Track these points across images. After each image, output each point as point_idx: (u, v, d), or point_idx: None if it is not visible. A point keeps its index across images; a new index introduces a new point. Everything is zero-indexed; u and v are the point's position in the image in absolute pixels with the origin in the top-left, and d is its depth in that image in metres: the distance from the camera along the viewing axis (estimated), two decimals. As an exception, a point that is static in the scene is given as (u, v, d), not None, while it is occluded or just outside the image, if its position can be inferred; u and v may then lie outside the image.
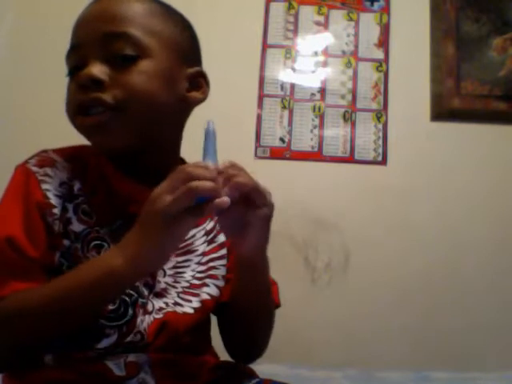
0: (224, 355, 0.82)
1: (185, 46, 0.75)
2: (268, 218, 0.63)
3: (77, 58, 0.69)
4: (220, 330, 0.82)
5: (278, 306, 0.82)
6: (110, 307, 0.65)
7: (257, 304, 0.74)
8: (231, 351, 0.82)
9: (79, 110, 0.67)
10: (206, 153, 0.61)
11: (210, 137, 0.62)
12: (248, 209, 0.62)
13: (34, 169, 0.68)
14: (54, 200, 0.66)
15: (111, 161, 0.72)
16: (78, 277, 0.61)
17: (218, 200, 0.57)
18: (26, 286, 0.61)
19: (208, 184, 0.56)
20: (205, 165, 0.59)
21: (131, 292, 0.67)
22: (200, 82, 0.76)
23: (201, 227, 0.77)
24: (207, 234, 0.78)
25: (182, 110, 0.75)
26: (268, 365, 0.84)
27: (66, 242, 0.66)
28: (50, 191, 0.66)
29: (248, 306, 0.74)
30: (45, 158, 0.70)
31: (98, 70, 0.65)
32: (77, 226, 0.67)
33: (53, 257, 0.65)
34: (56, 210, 0.66)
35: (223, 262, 0.79)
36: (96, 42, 0.67)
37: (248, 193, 0.61)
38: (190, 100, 0.74)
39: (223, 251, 0.79)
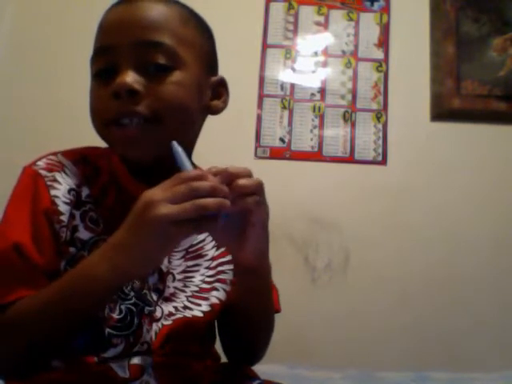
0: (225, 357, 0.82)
1: (210, 54, 0.76)
2: (268, 216, 0.62)
3: (106, 61, 0.67)
4: (219, 332, 0.82)
5: (277, 311, 0.81)
6: (116, 316, 0.65)
7: (257, 309, 0.73)
8: (229, 354, 0.82)
9: (111, 120, 0.66)
10: (185, 167, 0.59)
11: (180, 154, 0.60)
12: (254, 207, 0.59)
13: (43, 173, 0.67)
14: (62, 207, 0.66)
15: (124, 163, 0.71)
16: (64, 284, 0.60)
17: (224, 219, 0.55)
18: (31, 294, 0.61)
19: (217, 201, 0.54)
20: (202, 174, 0.56)
21: (137, 301, 0.67)
22: (221, 91, 0.76)
23: None
24: (215, 240, 0.77)
25: (204, 118, 0.76)
26: (267, 365, 0.84)
27: (72, 250, 0.65)
28: (59, 198, 0.66)
29: (248, 311, 0.74)
30: (54, 162, 0.69)
31: (133, 79, 0.64)
32: (84, 234, 0.66)
33: (59, 264, 0.65)
34: (64, 218, 0.65)
35: (231, 266, 0.77)
36: (130, 48, 0.65)
37: (253, 192, 0.58)
38: (212, 109, 0.75)
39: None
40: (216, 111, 0.75)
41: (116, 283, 0.60)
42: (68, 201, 0.66)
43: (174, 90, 0.66)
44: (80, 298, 0.59)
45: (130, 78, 0.64)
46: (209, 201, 0.53)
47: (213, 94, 0.74)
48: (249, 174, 0.59)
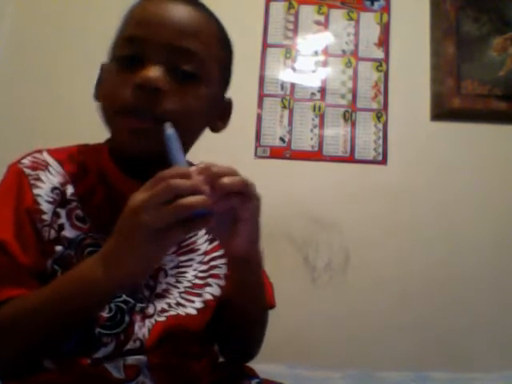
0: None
1: (229, 71, 0.77)
2: (258, 211, 0.60)
3: (135, 50, 0.66)
4: (213, 329, 0.81)
5: (273, 306, 0.81)
6: (106, 315, 0.65)
7: (249, 302, 0.73)
8: (223, 351, 0.81)
9: (127, 109, 0.65)
10: (175, 158, 0.57)
11: (172, 140, 0.59)
12: (239, 205, 0.58)
13: (27, 171, 0.67)
14: (44, 206, 0.65)
15: (115, 160, 0.71)
16: (60, 288, 0.60)
17: (209, 217, 0.54)
18: (18, 292, 0.61)
19: (198, 200, 0.53)
20: (184, 171, 0.54)
21: (127, 299, 0.67)
22: (226, 112, 0.78)
23: None
24: (209, 232, 0.77)
25: (203, 132, 0.77)
26: (267, 364, 0.84)
27: (58, 249, 0.65)
28: (41, 196, 0.66)
29: (240, 304, 0.73)
30: (39, 161, 0.69)
31: (162, 77, 0.64)
32: (70, 232, 0.66)
33: (44, 263, 0.64)
34: (46, 216, 0.65)
35: (224, 260, 0.77)
36: (164, 47, 0.65)
37: (237, 191, 0.57)
38: (215, 128, 0.77)
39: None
40: (217, 130, 0.77)
41: (112, 290, 0.60)
42: (51, 199, 0.66)
43: (193, 103, 0.67)
44: (75, 303, 0.59)
45: (159, 75, 0.64)
46: (189, 201, 0.52)
47: (219, 112, 0.76)
48: (233, 173, 0.58)
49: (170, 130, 0.60)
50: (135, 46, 0.66)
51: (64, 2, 1.82)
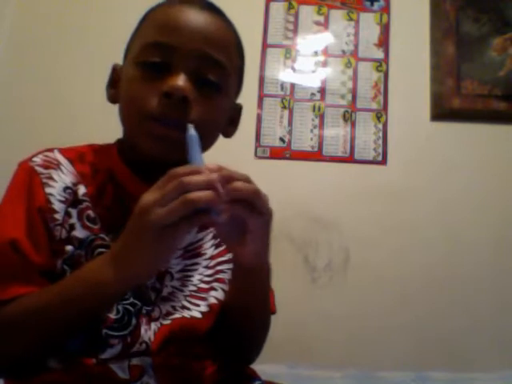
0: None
1: (243, 80, 0.78)
2: (268, 225, 0.59)
3: (161, 56, 0.66)
4: (213, 332, 0.81)
5: (273, 313, 0.81)
6: (114, 317, 0.65)
7: (251, 309, 0.73)
8: (222, 354, 0.81)
9: (154, 116, 0.65)
10: (193, 158, 0.58)
11: (193, 141, 0.59)
12: (247, 215, 0.57)
13: (39, 169, 0.67)
14: (56, 205, 0.65)
15: (126, 161, 0.71)
16: (69, 288, 0.60)
17: (215, 216, 0.53)
18: (28, 290, 0.61)
19: (206, 194, 0.52)
20: (197, 169, 0.54)
21: (135, 301, 0.67)
22: (236, 117, 0.79)
23: (208, 230, 0.76)
24: (215, 237, 0.77)
25: None
26: (267, 364, 0.84)
27: (69, 248, 0.65)
28: (54, 196, 0.65)
29: (241, 310, 0.73)
30: (50, 159, 0.68)
31: (188, 87, 0.65)
32: (81, 233, 0.66)
33: (54, 262, 0.64)
34: (58, 216, 0.65)
35: (230, 265, 0.76)
36: (194, 56, 0.66)
37: (248, 199, 0.56)
38: (227, 134, 0.78)
39: (230, 255, 0.76)
40: (227, 135, 0.78)
41: (121, 290, 0.60)
42: (63, 199, 0.66)
43: (214, 113, 0.68)
44: (84, 303, 0.59)
45: (187, 85, 0.65)
46: (196, 195, 0.52)
47: (229, 118, 0.76)
48: (246, 179, 0.57)
49: (192, 131, 0.60)
50: (162, 52, 0.66)
51: (64, 2, 1.82)
